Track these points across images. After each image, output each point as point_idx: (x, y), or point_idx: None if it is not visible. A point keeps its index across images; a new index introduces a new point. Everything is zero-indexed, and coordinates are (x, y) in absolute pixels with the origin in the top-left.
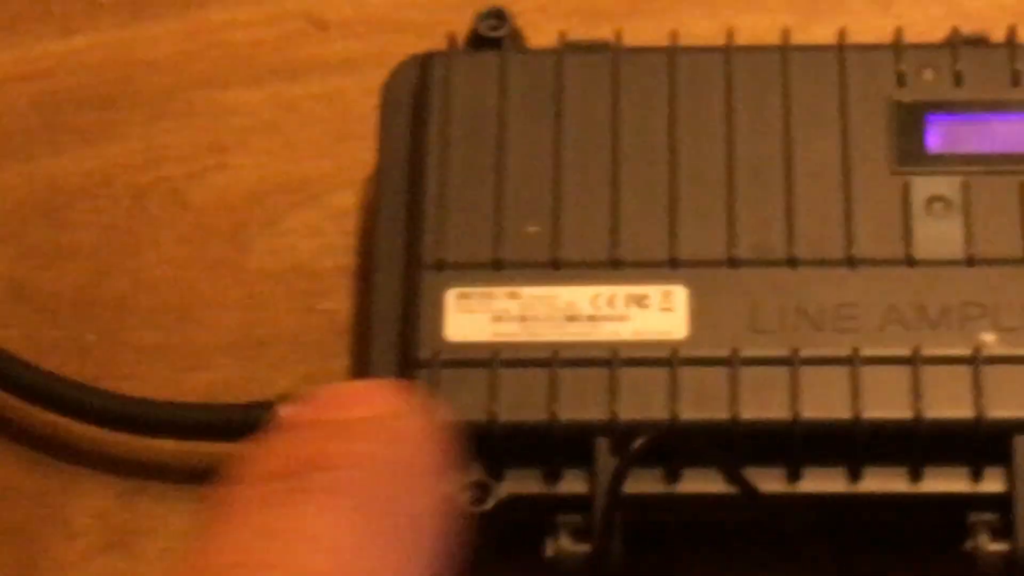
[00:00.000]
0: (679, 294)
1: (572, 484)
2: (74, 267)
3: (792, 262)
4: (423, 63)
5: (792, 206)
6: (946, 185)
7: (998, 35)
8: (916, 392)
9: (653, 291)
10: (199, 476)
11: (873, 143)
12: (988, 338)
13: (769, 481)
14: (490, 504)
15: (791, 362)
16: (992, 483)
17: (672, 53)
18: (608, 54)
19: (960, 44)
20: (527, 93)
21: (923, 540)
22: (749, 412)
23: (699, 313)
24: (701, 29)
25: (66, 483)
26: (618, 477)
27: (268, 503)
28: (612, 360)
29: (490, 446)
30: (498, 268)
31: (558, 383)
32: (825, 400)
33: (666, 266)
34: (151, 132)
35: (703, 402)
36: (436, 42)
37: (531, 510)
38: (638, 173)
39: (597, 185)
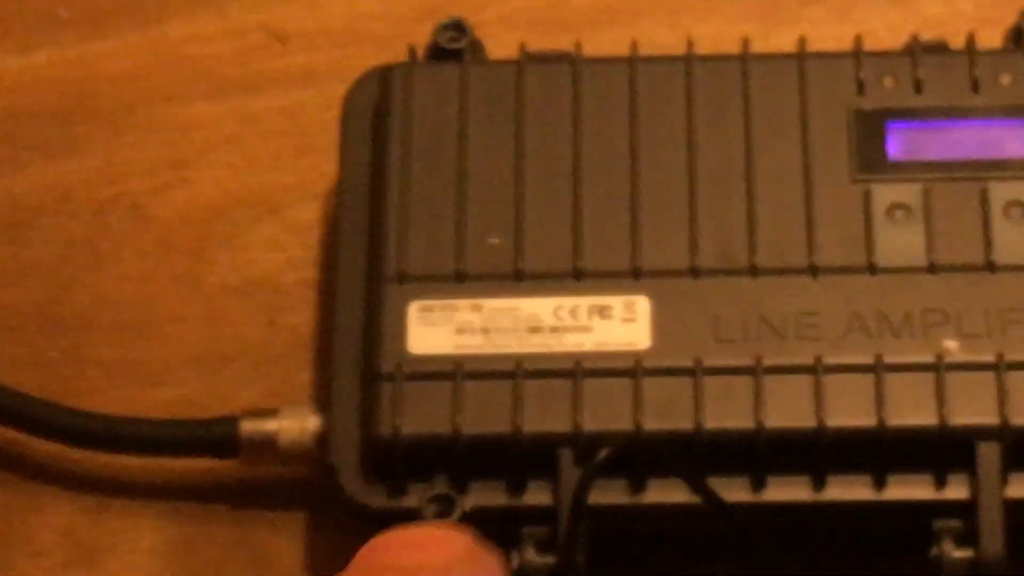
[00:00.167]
0: (642, 304)
1: (536, 496)
2: (36, 283)
3: (754, 271)
4: (383, 75)
5: (754, 215)
6: (907, 192)
7: (958, 41)
8: (879, 400)
9: (616, 301)
10: (164, 492)
11: (834, 151)
12: (951, 345)
13: (733, 490)
14: (455, 516)
15: (754, 371)
16: (956, 490)
17: (632, 63)
18: (568, 65)
19: (920, 51)
20: (488, 104)
21: (888, 547)
22: (713, 422)
23: (662, 323)
24: (662, 38)
25: (30, 500)
26: (582, 488)
27: None
28: (575, 371)
29: (454, 459)
30: (460, 280)
31: (521, 395)
32: (789, 409)
33: (628, 276)
34: (112, 147)
35: (667, 412)
36: (397, 54)
37: (496, 522)
38: (600, 183)
39: (559, 196)
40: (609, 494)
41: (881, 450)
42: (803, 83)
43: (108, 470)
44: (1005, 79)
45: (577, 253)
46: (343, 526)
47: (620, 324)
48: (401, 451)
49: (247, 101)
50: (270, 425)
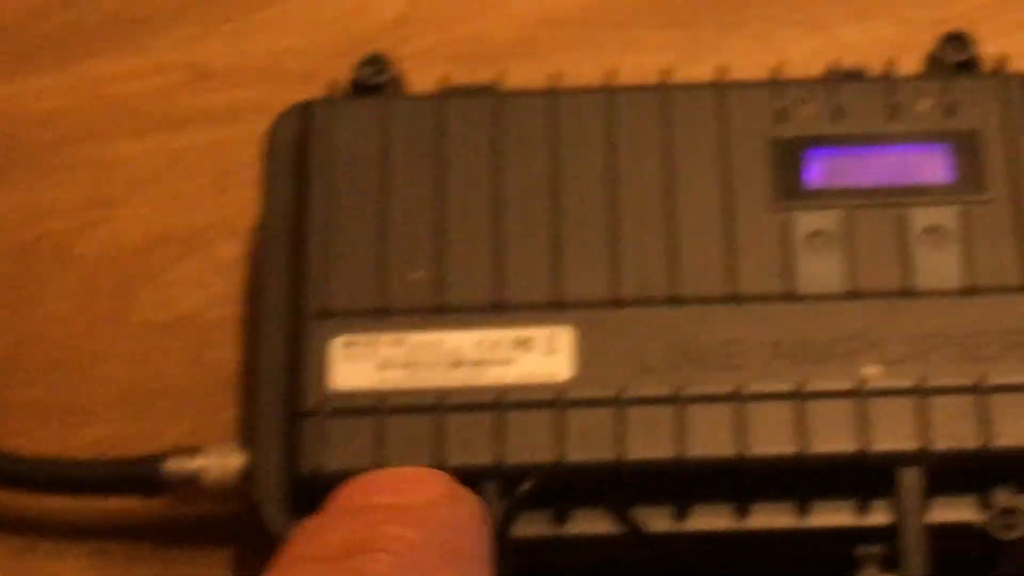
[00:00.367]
0: (564, 336)
1: None
2: None
3: (676, 301)
4: (305, 111)
5: (675, 245)
6: (826, 219)
7: (877, 68)
8: (801, 427)
9: (538, 333)
10: (90, 532)
11: (754, 179)
12: (872, 371)
13: (657, 520)
14: None
15: (676, 401)
16: (878, 515)
17: (553, 95)
18: (489, 98)
19: (838, 78)
20: (409, 139)
21: (811, 574)
22: (635, 452)
23: (584, 354)
24: (583, 71)
25: None
26: (506, 520)
27: None
28: (498, 404)
29: None
30: (383, 315)
31: (445, 429)
32: (711, 438)
33: (550, 308)
34: (35, 187)
35: (589, 443)
36: (319, 90)
37: None
38: (522, 216)
39: (481, 229)
40: (533, 526)
41: (803, 477)
42: (722, 112)
43: (33, 511)
44: (923, 105)
45: (499, 286)
46: (268, 563)
47: (542, 356)
48: (325, 487)
49: (170, 138)
50: (194, 463)
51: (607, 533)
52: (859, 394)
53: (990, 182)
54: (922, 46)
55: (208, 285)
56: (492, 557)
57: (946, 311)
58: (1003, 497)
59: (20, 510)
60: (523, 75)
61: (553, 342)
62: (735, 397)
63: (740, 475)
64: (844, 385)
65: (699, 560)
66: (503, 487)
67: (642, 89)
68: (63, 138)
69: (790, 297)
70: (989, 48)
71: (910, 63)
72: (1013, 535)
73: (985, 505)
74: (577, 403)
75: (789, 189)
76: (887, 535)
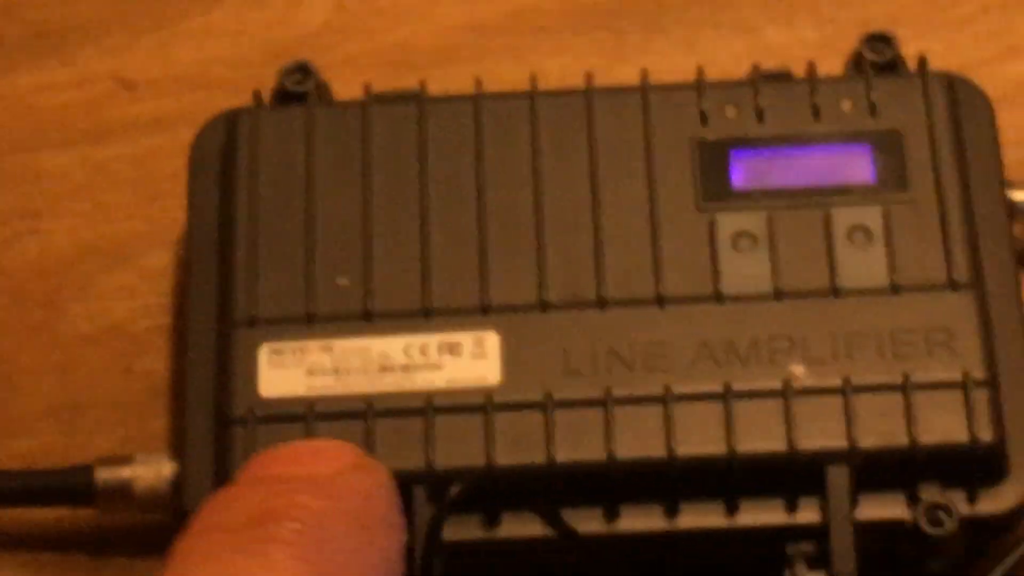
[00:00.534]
0: (491, 340)
1: None
2: None
3: (602, 303)
4: (229, 120)
5: (601, 247)
6: (751, 220)
7: (802, 69)
8: (729, 427)
9: (465, 338)
10: (22, 543)
11: (678, 182)
12: (797, 370)
13: (587, 522)
14: None
15: (604, 403)
16: (808, 513)
17: (477, 100)
18: (414, 104)
19: (761, 80)
20: (334, 146)
21: (742, 573)
22: (564, 454)
23: (512, 358)
24: (509, 75)
25: None
26: (435, 524)
27: (222, 554)
28: (426, 409)
29: None
30: (310, 322)
31: (374, 434)
32: (639, 439)
33: (477, 313)
34: None
35: (518, 446)
36: (246, 99)
37: None
38: (447, 221)
39: (407, 235)
40: (463, 529)
41: (732, 477)
42: (647, 115)
43: None
44: (846, 105)
45: (426, 291)
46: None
47: (470, 360)
48: None
49: (96, 150)
50: (125, 472)
51: (538, 536)
52: (786, 393)
53: (913, 181)
54: (845, 47)
55: (137, 295)
56: (403, 525)
57: (871, 310)
58: (931, 493)
59: None
60: (448, 81)
61: (481, 346)
62: (663, 398)
63: (669, 476)
64: (771, 385)
65: (630, 561)
66: (433, 491)
67: (566, 93)
68: None
69: (716, 298)
70: (911, 48)
71: (834, 64)
72: (941, 531)
73: (913, 501)
74: (505, 407)
75: (714, 191)
76: (817, 533)
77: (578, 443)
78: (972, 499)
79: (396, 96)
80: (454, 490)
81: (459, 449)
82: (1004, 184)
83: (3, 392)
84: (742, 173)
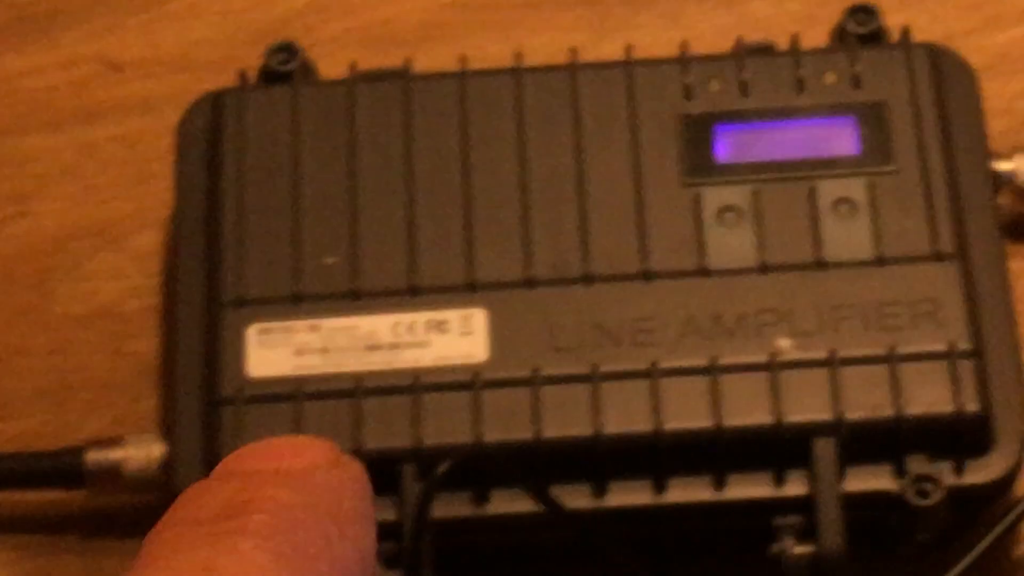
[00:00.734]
0: (478, 317)
1: (382, 512)
2: None
3: (588, 279)
4: (215, 101)
5: (586, 223)
6: (737, 194)
7: (786, 42)
8: (716, 401)
9: (452, 316)
10: (14, 525)
11: (663, 156)
12: (784, 343)
13: (576, 498)
14: None
15: (591, 378)
16: (795, 486)
17: (462, 77)
18: (399, 82)
19: (745, 54)
20: (319, 125)
21: (731, 546)
22: (552, 430)
23: (499, 335)
24: (494, 52)
25: None
26: (424, 502)
27: (192, 546)
28: (414, 387)
29: None
30: (298, 302)
31: (362, 413)
32: (627, 414)
33: (464, 290)
34: None
35: (506, 423)
36: (232, 79)
37: None
38: (433, 199)
39: (393, 213)
40: (452, 507)
41: (719, 450)
42: (631, 90)
43: None
44: (830, 78)
45: (412, 269)
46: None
47: (457, 338)
48: None
49: (84, 131)
50: (115, 454)
51: (526, 512)
52: (772, 367)
53: (897, 153)
54: (830, 18)
55: (126, 276)
56: (373, 521)
57: (856, 282)
58: (917, 464)
59: None
60: (434, 58)
61: (468, 324)
62: (650, 373)
63: (657, 450)
64: (757, 358)
65: (619, 536)
66: (421, 469)
67: (550, 69)
68: None
69: (702, 272)
70: (895, 19)
71: (818, 36)
72: (928, 502)
73: (900, 473)
74: (493, 384)
75: (699, 165)
76: (804, 506)
77: (566, 419)
78: (959, 470)
79: (381, 74)
80: (442, 467)
81: (447, 426)
82: (988, 154)
83: None
84: (727, 147)
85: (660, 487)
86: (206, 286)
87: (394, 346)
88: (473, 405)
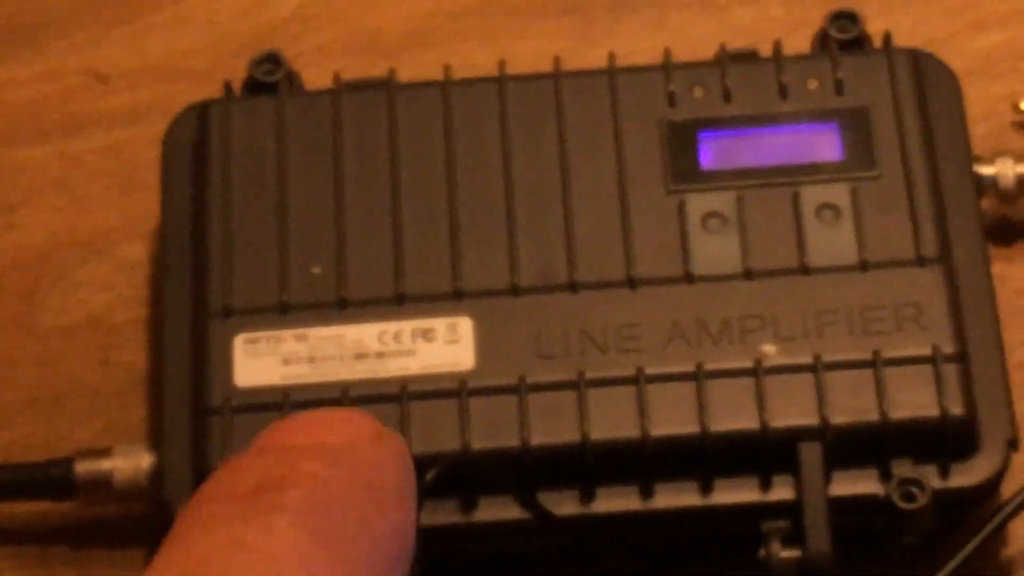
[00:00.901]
0: (464, 325)
1: None
2: None
3: (574, 286)
4: (201, 112)
5: (571, 231)
6: (721, 201)
7: (769, 48)
8: (701, 406)
9: (439, 324)
10: (4, 536)
11: (648, 163)
12: (769, 349)
13: (563, 504)
14: None
15: (577, 385)
16: (782, 491)
17: (446, 86)
18: (384, 91)
19: (728, 61)
20: (305, 135)
21: (718, 551)
22: (539, 437)
23: (485, 343)
24: (479, 59)
25: None
26: None
27: (224, 522)
28: (401, 395)
29: None
30: (284, 311)
31: None
32: (613, 420)
33: (450, 298)
34: None
35: (493, 430)
36: (218, 89)
37: None
38: (419, 208)
39: (379, 222)
40: (440, 514)
41: (706, 456)
42: (615, 98)
43: None
44: (812, 83)
45: (399, 278)
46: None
47: (444, 346)
48: None
49: (71, 143)
50: (104, 464)
51: (514, 519)
52: (758, 372)
53: (880, 158)
54: (811, 25)
55: (114, 287)
56: (414, 499)
57: (841, 287)
58: (903, 468)
59: None
60: (419, 66)
61: (454, 332)
62: (636, 379)
63: (644, 456)
64: (743, 364)
65: (607, 542)
66: None
67: (534, 77)
68: None
69: (687, 279)
70: (878, 24)
71: (800, 43)
72: (914, 505)
73: (886, 477)
74: (480, 391)
75: (683, 172)
76: (791, 510)
77: (553, 426)
78: (944, 473)
79: (366, 84)
80: (430, 475)
81: (434, 434)
82: (971, 159)
83: None
84: (710, 154)
85: (647, 493)
86: (193, 296)
87: (381, 355)
88: (460, 413)
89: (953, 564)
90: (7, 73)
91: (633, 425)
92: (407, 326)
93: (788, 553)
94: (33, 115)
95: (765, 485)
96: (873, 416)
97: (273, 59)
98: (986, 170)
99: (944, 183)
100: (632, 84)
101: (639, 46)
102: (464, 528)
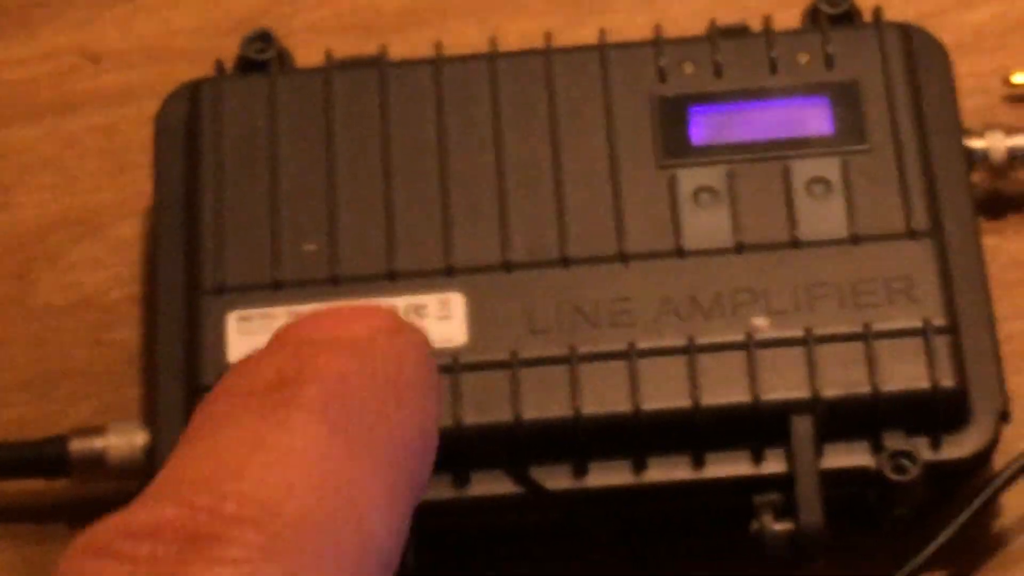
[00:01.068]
0: (456, 301)
1: None
2: None
3: (565, 261)
4: (193, 91)
5: (563, 206)
6: (712, 175)
7: (759, 23)
8: (693, 380)
9: (431, 300)
10: (0, 515)
11: (638, 139)
12: (760, 322)
13: (556, 479)
14: None
15: (569, 360)
16: (774, 464)
17: (437, 63)
18: (375, 68)
19: (718, 35)
20: (296, 113)
21: (711, 524)
22: (531, 412)
23: (477, 319)
24: (470, 38)
25: None
26: None
27: (246, 415)
28: None
29: None
30: (277, 288)
31: None
32: (605, 395)
33: (442, 274)
34: None
35: (486, 405)
36: (209, 68)
37: None
38: (410, 184)
39: (371, 199)
40: (434, 490)
41: (698, 429)
42: (605, 74)
43: None
44: (803, 58)
45: (391, 254)
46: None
47: (436, 322)
48: None
49: (63, 122)
50: (99, 442)
51: (508, 494)
52: (749, 346)
53: (870, 132)
54: (801, 2)
55: (108, 266)
56: (437, 391)
57: (831, 260)
58: (894, 440)
59: None
60: (410, 45)
61: (446, 308)
62: (627, 354)
63: (636, 430)
64: (734, 337)
65: (600, 516)
66: None
67: (525, 54)
68: None
69: (678, 253)
70: (865, 0)
71: (791, 18)
72: (905, 477)
73: (877, 449)
74: (472, 367)
75: (674, 147)
76: (783, 483)
77: (545, 401)
78: (935, 445)
79: (357, 62)
80: None
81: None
82: (962, 132)
83: None
84: (701, 128)
85: (640, 467)
86: (186, 274)
87: None
88: (452, 388)
89: (945, 536)
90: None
91: (625, 399)
92: (399, 302)
93: (780, 526)
94: (25, 95)
95: (757, 458)
96: (864, 389)
97: (264, 37)
98: (976, 143)
99: (935, 157)
100: (622, 60)
101: (629, 23)
102: (457, 503)
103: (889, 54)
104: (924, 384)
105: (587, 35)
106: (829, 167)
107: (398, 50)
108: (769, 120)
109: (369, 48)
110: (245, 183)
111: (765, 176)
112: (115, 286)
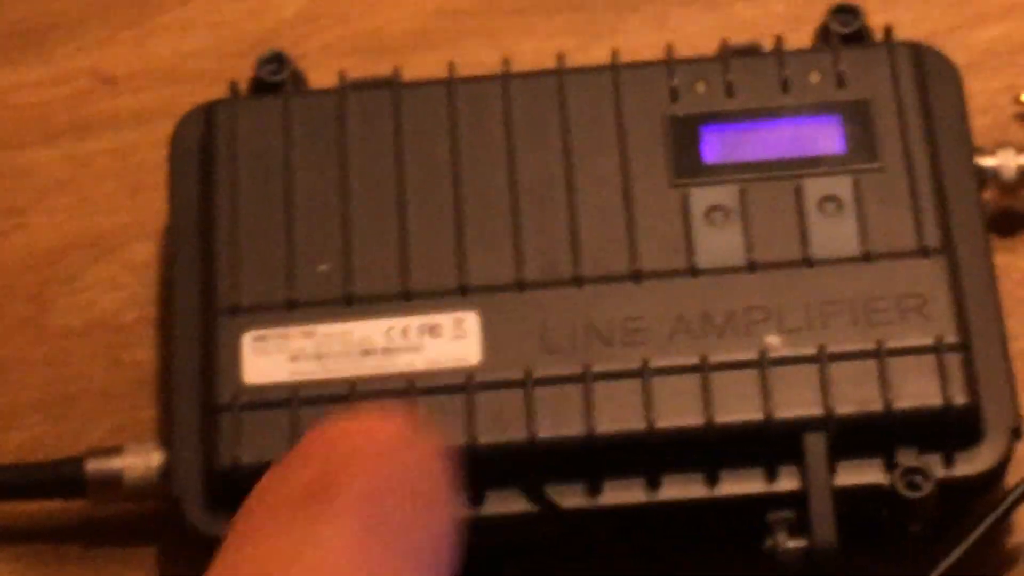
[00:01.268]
0: (471, 320)
1: None
2: None
3: (579, 280)
4: (207, 112)
5: (576, 226)
6: (724, 194)
7: (770, 43)
8: (707, 398)
9: (445, 319)
10: (16, 536)
11: (651, 158)
12: (773, 340)
13: (571, 497)
14: None
15: (583, 379)
16: (787, 481)
17: (451, 84)
18: (389, 89)
19: (730, 55)
20: (310, 134)
21: (725, 542)
22: (546, 431)
23: (491, 338)
24: (483, 58)
25: None
26: None
27: (279, 527)
28: (408, 390)
29: None
30: (292, 308)
31: None
32: (619, 413)
33: (456, 294)
34: None
35: (500, 424)
36: (223, 90)
37: None
38: (424, 205)
39: (385, 219)
40: None
41: (712, 447)
42: (618, 94)
43: None
44: (814, 77)
45: (405, 274)
46: (194, 558)
47: (450, 341)
48: (242, 480)
49: (78, 145)
50: (115, 463)
51: (522, 512)
52: (762, 363)
53: (882, 151)
54: (813, 20)
55: (123, 287)
56: (455, 496)
57: (844, 278)
58: (907, 457)
59: None
60: (423, 66)
61: (460, 327)
62: (641, 372)
63: (650, 448)
64: (747, 355)
65: (614, 534)
66: None
67: (538, 74)
68: None
69: (691, 272)
70: (880, 18)
71: (802, 37)
72: (918, 494)
73: (890, 466)
74: (486, 386)
75: (686, 166)
76: (797, 500)
77: (559, 419)
78: (948, 462)
79: (370, 83)
80: None
81: (441, 429)
82: (973, 151)
83: None
84: (713, 148)
85: (654, 485)
86: (202, 295)
87: (388, 351)
88: (467, 407)
89: (958, 553)
90: (15, 77)
91: (639, 417)
92: (414, 322)
93: (794, 543)
94: (41, 118)
95: (771, 476)
96: (877, 406)
97: (278, 59)
98: (988, 162)
99: (946, 175)
100: (635, 80)
101: (641, 43)
102: (472, 522)
103: (900, 73)
104: (937, 401)
105: (599, 55)
106: (841, 185)
107: (411, 71)
108: (781, 139)
109: (382, 69)
110: (259, 204)
111: (777, 194)
112: (131, 307)
